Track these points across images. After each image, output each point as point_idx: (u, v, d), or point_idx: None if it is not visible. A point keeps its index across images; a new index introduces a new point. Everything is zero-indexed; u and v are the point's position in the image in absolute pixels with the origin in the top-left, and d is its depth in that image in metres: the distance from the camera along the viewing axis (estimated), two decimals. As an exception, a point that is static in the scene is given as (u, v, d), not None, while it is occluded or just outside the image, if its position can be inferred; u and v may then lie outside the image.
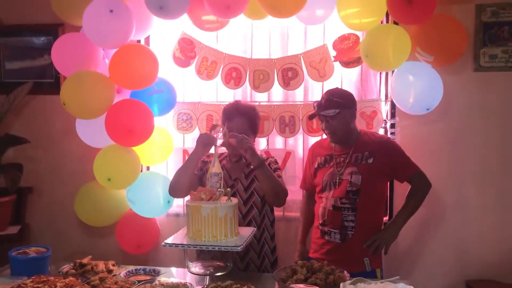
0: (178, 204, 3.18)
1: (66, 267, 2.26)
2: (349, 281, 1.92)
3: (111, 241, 3.15)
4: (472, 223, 2.92)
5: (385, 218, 2.89)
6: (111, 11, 2.53)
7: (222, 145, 2.33)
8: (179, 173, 2.39)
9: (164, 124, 3.07)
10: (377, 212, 2.54)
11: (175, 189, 2.43)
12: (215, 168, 2.19)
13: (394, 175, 2.54)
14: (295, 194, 2.98)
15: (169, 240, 2.05)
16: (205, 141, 2.30)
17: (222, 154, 2.56)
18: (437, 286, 2.95)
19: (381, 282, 1.92)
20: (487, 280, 2.85)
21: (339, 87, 2.83)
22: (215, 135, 2.30)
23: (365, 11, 2.63)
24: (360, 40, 2.85)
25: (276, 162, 2.57)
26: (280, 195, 2.40)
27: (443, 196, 2.86)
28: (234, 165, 2.51)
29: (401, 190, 2.62)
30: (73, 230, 3.31)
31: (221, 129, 2.32)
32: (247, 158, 2.35)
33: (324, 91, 2.98)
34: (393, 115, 2.91)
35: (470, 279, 2.88)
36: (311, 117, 2.53)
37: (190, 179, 2.37)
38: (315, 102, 2.53)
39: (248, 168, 2.48)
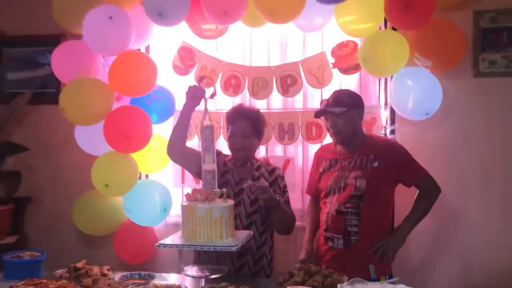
0: (177, 214, 3.14)
1: (60, 272, 2.22)
2: (347, 282, 1.88)
3: (109, 252, 3.11)
4: (475, 231, 2.86)
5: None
6: (111, 17, 2.56)
7: (211, 96, 2.30)
8: (174, 130, 2.42)
9: (163, 132, 3.06)
10: (383, 217, 2.47)
11: (172, 146, 2.44)
12: (207, 120, 2.18)
13: (400, 179, 2.47)
14: (295, 202, 2.93)
15: (164, 241, 2.02)
16: (194, 94, 2.30)
17: (226, 156, 2.57)
18: (440, 296, 2.88)
19: (380, 283, 1.87)
20: (491, 290, 2.78)
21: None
22: (204, 87, 2.29)
23: (363, 17, 2.64)
24: (359, 47, 2.86)
25: (283, 178, 2.56)
26: (290, 228, 2.49)
27: (445, 203, 2.79)
28: (240, 168, 2.51)
29: (403, 196, 2.58)
30: (71, 241, 3.28)
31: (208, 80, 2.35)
32: (264, 203, 2.33)
33: (320, 101, 3.00)
34: (392, 122, 2.89)
35: (474, 288, 2.81)
36: (317, 115, 2.50)
37: (184, 135, 2.40)
38: (322, 100, 2.52)
39: (257, 172, 2.48)
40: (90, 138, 2.82)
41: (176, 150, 2.43)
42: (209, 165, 2.17)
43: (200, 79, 2.35)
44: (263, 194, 2.23)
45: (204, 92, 2.30)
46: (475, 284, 2.85)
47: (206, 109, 2.23)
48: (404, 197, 2.56)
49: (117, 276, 2.19)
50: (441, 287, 2.89)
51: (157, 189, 2.87)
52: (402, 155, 2.46)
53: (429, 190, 2.45)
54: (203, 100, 2.31)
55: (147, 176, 3.15)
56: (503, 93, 2.84)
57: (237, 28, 2.93)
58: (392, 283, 1.90)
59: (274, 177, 2.50)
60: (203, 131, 2.18)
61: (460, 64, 2.73)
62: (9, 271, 2.20)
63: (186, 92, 2.33)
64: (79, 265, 2.22)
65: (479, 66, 2.83)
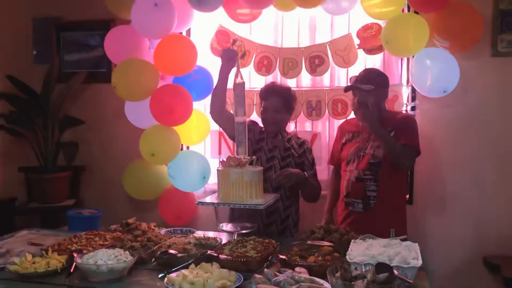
0: (214, 182, 3.44)
1: (114, 226, 2.60)
2: (360, 237, 2.14)
3: (154, 215, 3.46)
4: (490, 201, 3.04)
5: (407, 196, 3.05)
6: (156, 4, 2.85)
7: (242, 56, 2.56)
8: (214, 92, 2.67)
9: (202, 108, 3.37)
10: (398, 183, 2.70)
11: (213, 107, 2.68)
12: (239, 78, 2.44)
13: (397, 138, 2.60)
14: (321, 173, 3.19)
15: (203, 200, 2.34)
16: (229, 56, 2.54)
17: (262, 127, 2.81)
18: (455, 262, 3.08)
19: (389, 239, 2.12)
20: (504, 256, 2.95)
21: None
22: (236, 49, 2.57)
23: (387, 0, 2.82)
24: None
25: (310, 151, 2.80)
26: (316, 197, 2.75)
27: (462, 176, 3.00)
28: (272, 138, 2.75)
29: (422, 166, 2.78)
30: (120, 205, 3.64)
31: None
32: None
33: (350, 77, 3.22)
34: (413, 99, 3.08)
35: (488, 255, 3.00)
36: (346, 90, 2.71)
37: (223, 97, 2.65)
38: (352, 77, 2.73)
39: (289, 143, 2.74)
40: (138, 113, 3.17)
41: (216, 110, 2.68)
42: (241, 118, 2.46)
43: (233, 41, 2.63)
44: (289, 182, 2.51)
45: (237, 53, 2.55)
46: (488, 250, 3.03)
47: (238, 69, 2.50)
48: (423, 167, 2.78)
49: (162, 231, 2.53)
50: (455, 253, 3.10)
51: (198, 159, 3.19)
52: (409, 123, 2.67)
53: (407, 153, 2.58)
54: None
55: (188, 148, 3.48)
56: (520, 71, 2.98)
57: (270, 12, 3.19)
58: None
59: (303, 150, 2.75)
60: (236, 87, 2.45)
61: (479, 44, 2.90)
62: (72, 224, 2.61)
63: (221, 55, 2.57)
64: (130, 221, 2.58)
65: (497, 46, 2.98)
